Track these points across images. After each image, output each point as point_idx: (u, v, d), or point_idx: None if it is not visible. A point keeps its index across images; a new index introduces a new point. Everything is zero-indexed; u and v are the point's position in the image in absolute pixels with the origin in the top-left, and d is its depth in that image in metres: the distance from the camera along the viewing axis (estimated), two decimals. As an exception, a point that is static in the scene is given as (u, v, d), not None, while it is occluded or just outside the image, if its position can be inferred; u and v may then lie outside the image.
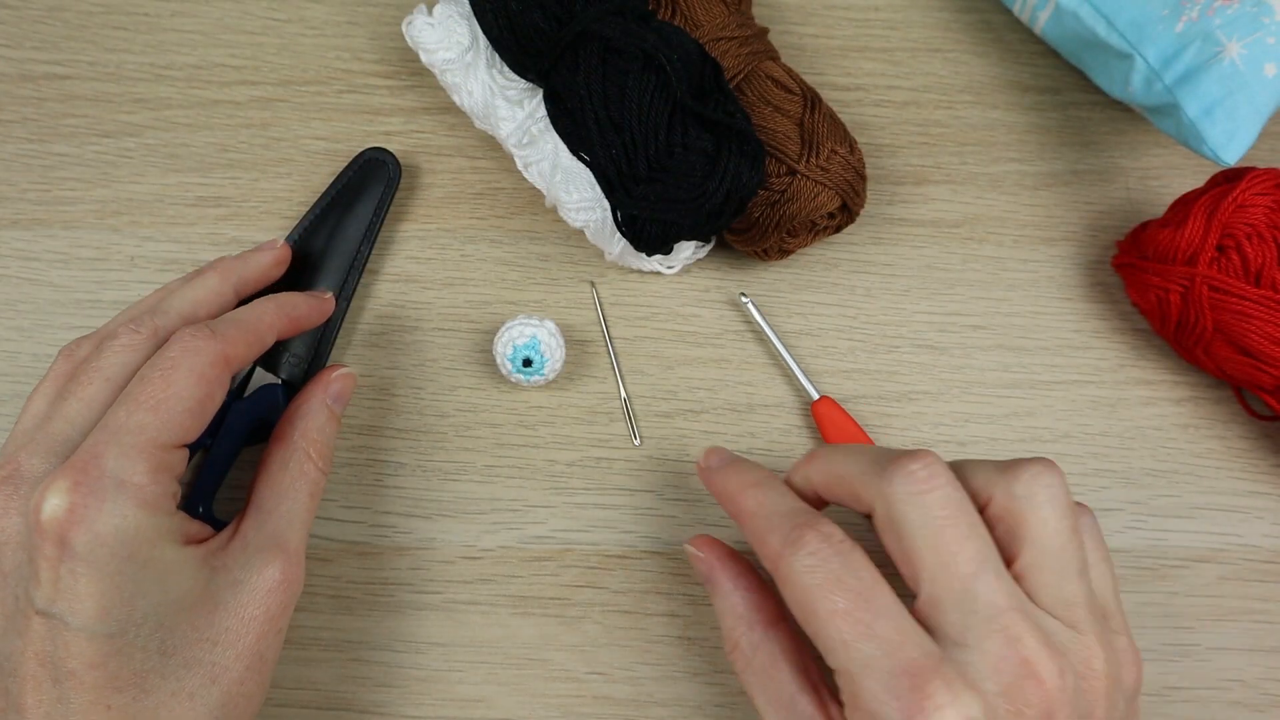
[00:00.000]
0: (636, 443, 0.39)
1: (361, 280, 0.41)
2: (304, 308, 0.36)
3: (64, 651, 0.27)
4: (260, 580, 0.30)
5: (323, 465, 0.34)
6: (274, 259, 0.38)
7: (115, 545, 0.27)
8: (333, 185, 0.41)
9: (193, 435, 0.30)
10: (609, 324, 0.41)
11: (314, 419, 0.35)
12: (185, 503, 0.35)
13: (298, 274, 0.40)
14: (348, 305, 0.40)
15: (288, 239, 0.41)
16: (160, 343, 0.32)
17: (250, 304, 0.35)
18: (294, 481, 0.33)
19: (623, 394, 0.40)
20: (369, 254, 0.41)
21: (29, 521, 0.27)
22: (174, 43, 0.46)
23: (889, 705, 0.24)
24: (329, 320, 0.39)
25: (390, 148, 0.42)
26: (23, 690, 0.27)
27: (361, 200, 0.41)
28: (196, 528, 0.31)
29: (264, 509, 0.32)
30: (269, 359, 0.38)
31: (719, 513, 0.39)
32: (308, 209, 0.41)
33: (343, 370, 0.37)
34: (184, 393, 0.29)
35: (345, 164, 0.42)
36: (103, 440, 0.28)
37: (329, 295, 0.38)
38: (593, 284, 0.41)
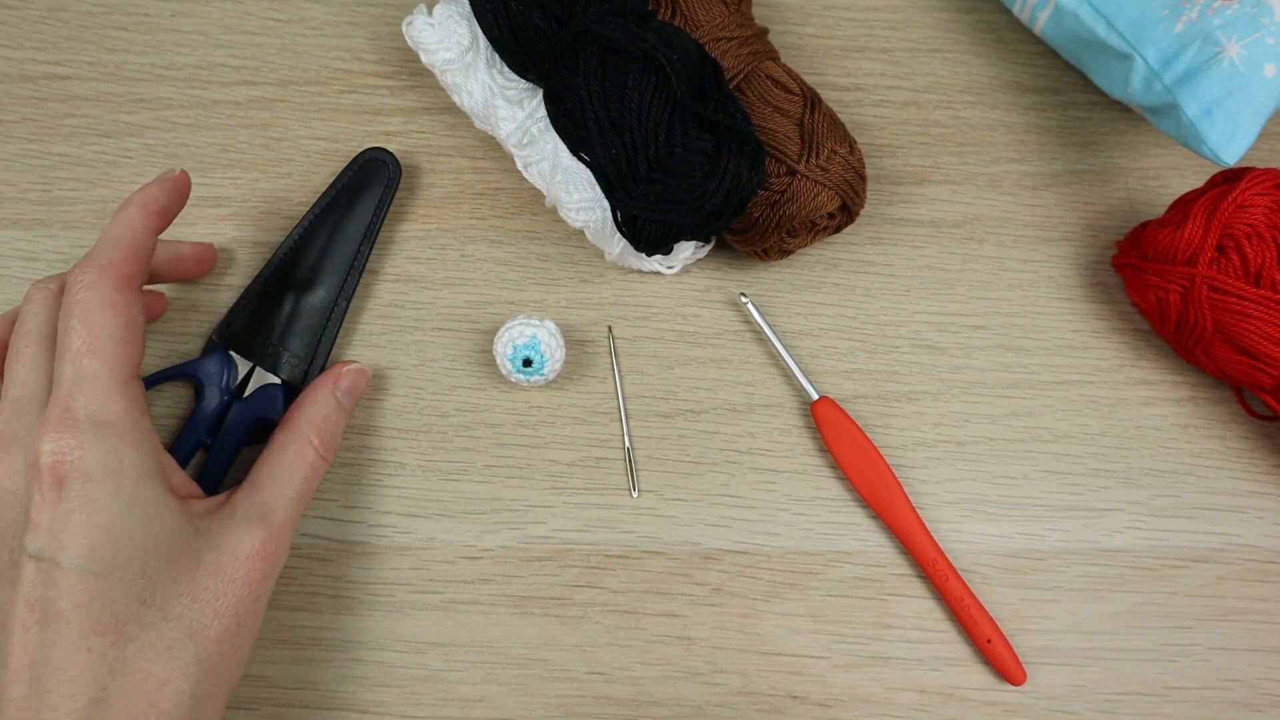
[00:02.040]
0: (634, 495, 0.39)
1: (362, 280, 0.41)
2: (162, 195, 0.35)
3: (53, 592, 0.28)
4: (241, 547, 0.31)
5: (324, 451, 0.35)
6: (173, 184, 0.36)
7: (103, 480, 0.28)
8: (333, 185, 0.42)
9: (138, 359, 0.31)
10: (621, 375, 0.40)
11: (320, 406, 0.36)
12: None
13: (298, 274, 0.40)
14: (348, 305, 0.40)
15: (288, 239, 0.41)
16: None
17: (114, 216, 0.34)
18: (291, 462, 0.34)
19: (627, 444, 0.40)
20: (369, 254, 0.41)
21: (30, 471, 0.29)
22: (174, 43, 0.46)
23: None
24: (327, 319, 0.39)
25: (390, 148, 0.42)
26: (9, 640, 0.28)
27: (362, 200, 0.41)
28: (181, 479, 0.32)
29: (257, 485, 0.34)
30: (268, 359, 0.39)
31: (719, 513, 0.39)
32: (308, 209, 0.41)
33: (355, 365, 0.38)
34: (108, 325, 0.30)
35: (345, 164, 0.42)
36: (65, 394, 0.29)
37: (180, 171, 0.36)
38: (609, 328, 0.41)
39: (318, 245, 0.41)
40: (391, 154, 0.42)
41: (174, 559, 0.30)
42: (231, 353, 0.38)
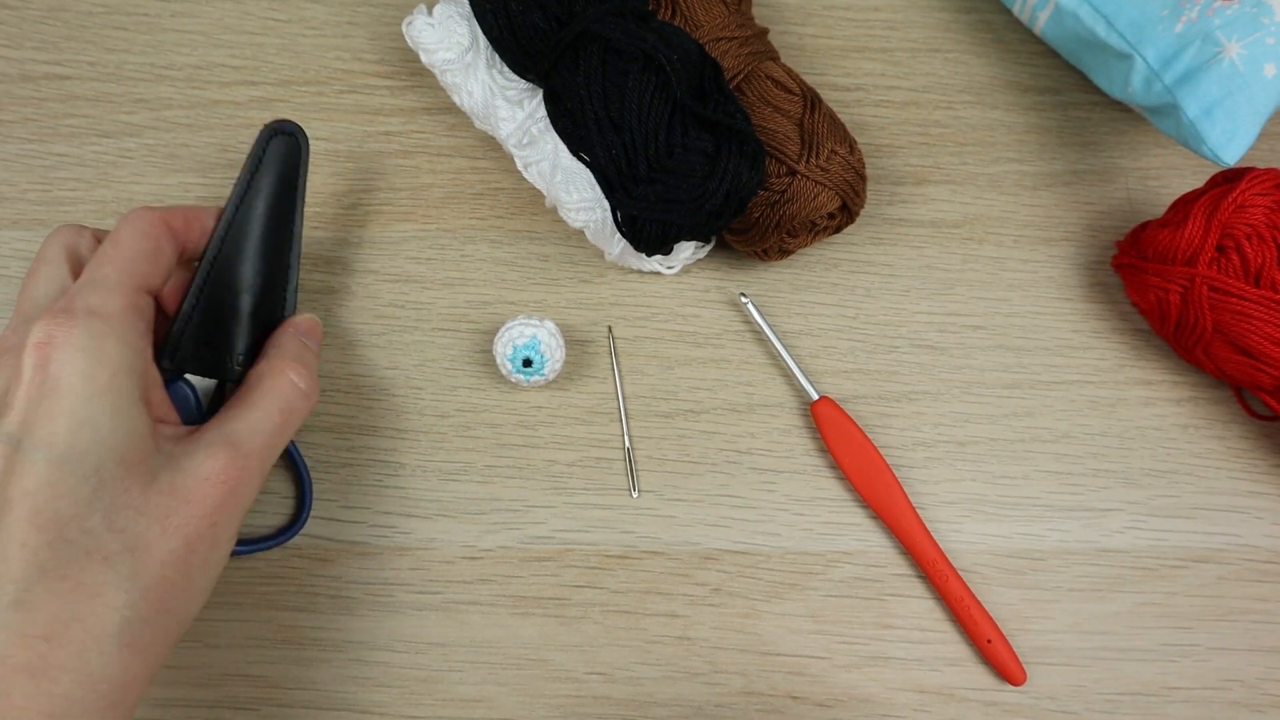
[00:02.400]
0: (634, 495, 0.39)
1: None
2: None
3: (8, 477, 0.28)
4: (200, 469, 0.30)
5: (303, 385, 0.34)
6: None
7: (80, 364, 0.29)
8: (241, 178, 0.36)
9: (152, 281, 0.33)
10: (622, 374, 0.41)
11: (288, 345, 0.35)
12: None
13: (233, 277, 0.36)
14: (296, 294, 0.37)
15: (210, 246, 0.36)
16: (89, 234, 0.34)
17: None
18: (265, 393, 0.33)
19: (627, 444, 0.40)
20: (301, 232, 0.37)
21: (23, 354, 0.29)
22: (174, 43, 0.46)
23: None
24: (273, 313, 0.37)
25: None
26: None
27: (277, 182, 0.36)
28: (160, 399, 0.32)
29: (228, 415, 0.33)
30: (233, 371, 0.35)
31: (719, 513, 0.39)
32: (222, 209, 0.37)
33: (305, 315, 0.38)
34: (134, 244, 0.32)
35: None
36: (72, 292, 0.31)
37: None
38: (609, 328, 0.41)
39: (245, 242, 0.36)
40: (289, 121, 0.37)
41: (130, 465, 0.29)
42: (189, 376, 0.35)
